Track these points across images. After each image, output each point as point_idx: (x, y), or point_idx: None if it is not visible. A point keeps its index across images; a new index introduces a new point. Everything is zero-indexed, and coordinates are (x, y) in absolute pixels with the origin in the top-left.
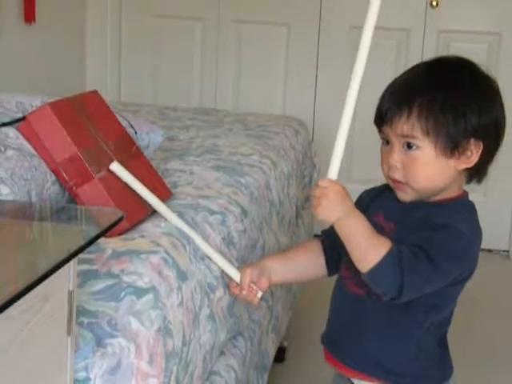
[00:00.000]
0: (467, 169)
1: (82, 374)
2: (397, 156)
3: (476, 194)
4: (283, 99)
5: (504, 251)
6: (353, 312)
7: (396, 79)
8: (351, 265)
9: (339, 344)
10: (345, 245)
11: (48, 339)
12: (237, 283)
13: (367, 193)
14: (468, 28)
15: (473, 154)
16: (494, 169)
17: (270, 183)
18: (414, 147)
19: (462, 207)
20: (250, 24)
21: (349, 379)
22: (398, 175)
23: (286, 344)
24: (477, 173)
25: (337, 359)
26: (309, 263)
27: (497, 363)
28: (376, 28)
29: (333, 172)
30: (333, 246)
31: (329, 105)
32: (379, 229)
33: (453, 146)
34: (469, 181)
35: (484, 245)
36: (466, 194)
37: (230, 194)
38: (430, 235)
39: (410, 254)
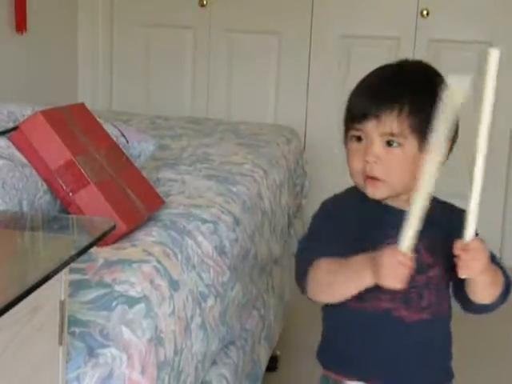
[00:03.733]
0: None
1: None
2: (378, 152)
3: (466, 202)
4: (275, 108)
5: None
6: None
7: (372, 77)
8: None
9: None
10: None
11: (39, 349)
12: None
13: (334, 202)
14: (458, 37)
15: None
16: (485, 177)
17: (262, 192)
18: (394, 144)
19: None
20: (242, 33)
21: None
22: (376, 172)
23: (278, 353)
24: None
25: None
26: None
27: (488, 368)
28: (367, 37)
29: (405, 244)
30: None
31: (320, 113)
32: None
33: None
34: None
35: None
36: None
37: (221, 203)
38: None
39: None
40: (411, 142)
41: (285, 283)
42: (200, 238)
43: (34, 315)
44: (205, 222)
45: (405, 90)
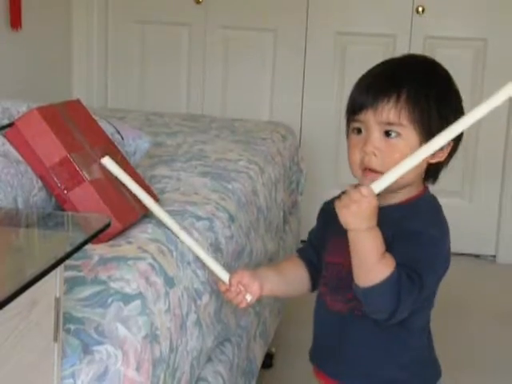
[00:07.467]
0: (428, 166)
1: (69, 381)
2: (377, 143)
3: (462, 199)
4: (270, 105)
5: (490, 256)
6: (338, 329)
7: (372, 70)
8: (328, 280)
9: (329, 360)
10: (352, 255)
11: (35, 346)
12: (224, 283)
13: (329, 204)
14: (454, 34)
15: (443, 150)
16: (480, 174)
17: (258, 189)
18: (393, 135)
19: (428, 206)
20: (237, 30)
21: None
22: (375, 163)
23: (273, 350)
24: (435, 172)
25: (327, 375)
26: (296, 277)
27: (484, 367)
28: (362, 34)
29: (379, 186)
30: (311, 263)
31: (316, 110)
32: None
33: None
34: (424, 180)
35: (471, 250)
36: (426, 189)
37: (217, 199)
38: (411, 251)
39: (407, 280)
40: (410, 133)
41: None
42: (195, 235)
43: (29, 312)
44: (200, 218)
45: (403, 80)
